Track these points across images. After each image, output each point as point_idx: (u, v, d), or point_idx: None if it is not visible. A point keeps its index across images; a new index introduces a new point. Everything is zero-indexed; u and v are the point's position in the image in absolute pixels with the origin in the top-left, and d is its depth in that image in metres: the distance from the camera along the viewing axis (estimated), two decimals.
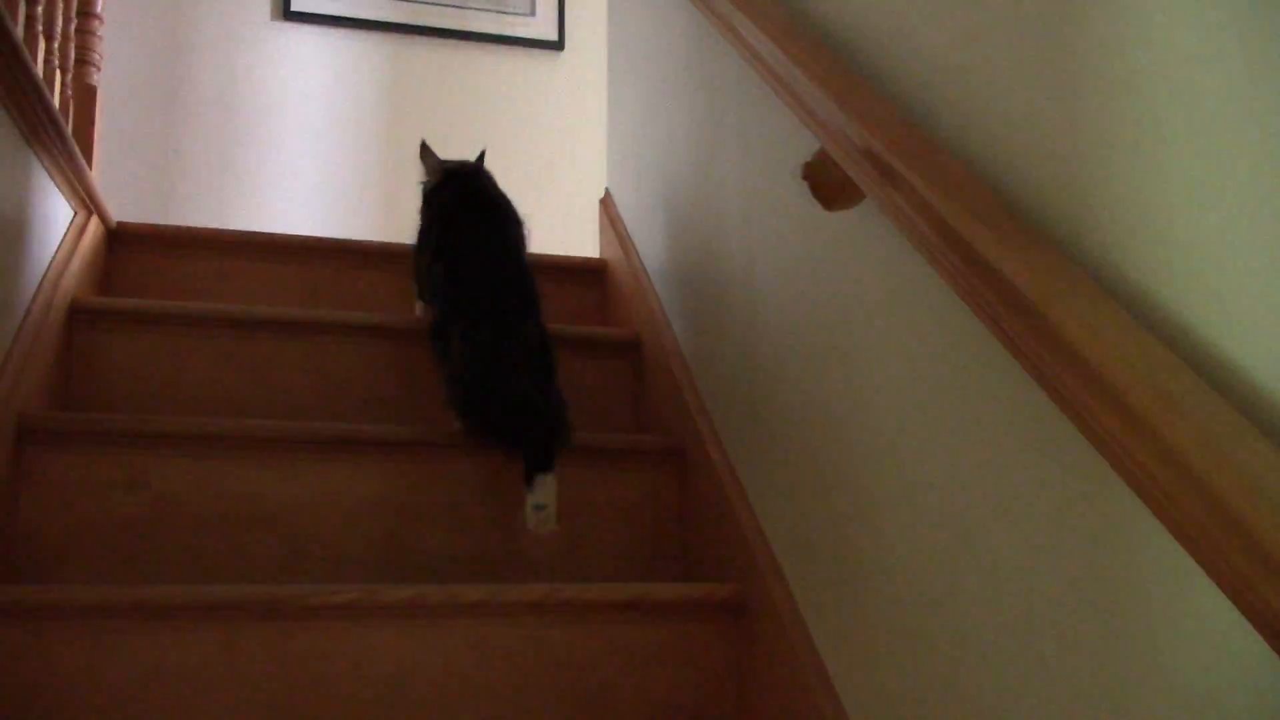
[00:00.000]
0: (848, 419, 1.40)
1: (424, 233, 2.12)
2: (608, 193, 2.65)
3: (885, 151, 1.04)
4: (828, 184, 1.25)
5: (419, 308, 2.16)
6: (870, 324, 1.33)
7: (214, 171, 3.67)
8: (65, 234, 1.99)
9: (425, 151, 2.19)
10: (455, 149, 2.29)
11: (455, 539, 1.83)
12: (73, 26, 2.26)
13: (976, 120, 1.07)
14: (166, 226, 2.32)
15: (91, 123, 2.30)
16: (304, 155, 3.76)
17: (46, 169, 1.85)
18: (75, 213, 2.05)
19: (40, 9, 2.00)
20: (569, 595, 1.60)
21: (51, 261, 1.90)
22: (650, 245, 2.30)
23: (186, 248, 2.31)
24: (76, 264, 1.98)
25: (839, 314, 1.42)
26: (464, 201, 2.11)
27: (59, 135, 1.82)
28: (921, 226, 1.00)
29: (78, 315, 1.96)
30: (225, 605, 1.47)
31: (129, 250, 2.27)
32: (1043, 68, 0.99)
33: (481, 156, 2.21)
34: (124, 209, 3.50)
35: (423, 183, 2.18)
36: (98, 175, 2.29)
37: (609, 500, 1.92)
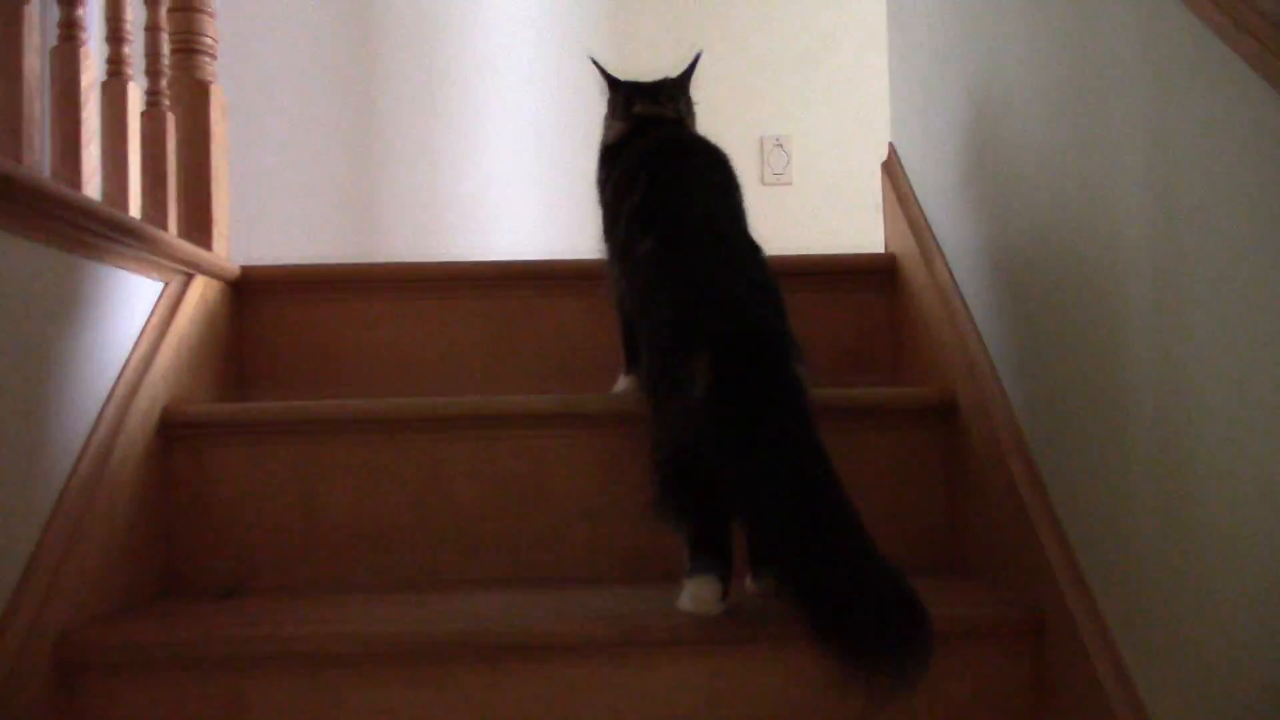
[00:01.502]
0: None
1: (612, 202, 1.48)
2: (893, 152, 1.85)
3: None
4: None
5: (623, 382, 1.51)
6: None
7: (417, 139, 3.13)
8: (148, 320, 1.46)
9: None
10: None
11: None
12: (162, 9, 1.70)
13: None
14: (298, 267, 1.77)
15: (206, 134, 1.76)
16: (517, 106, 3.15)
17: (102, 260, 1.32)
18: (164, 284, 1.52)
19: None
20: None
21: (122, 371, 1.38)
22: (968, 245, 1.52)
23: (326, 291, 1.75)
24: (166, 357, 1.46)
25: None
26: (673, 149, 1.47)
27: (113, 225, 1.28)
28: None
29: (172, 431, 1.45)
30: None
31: (260, 301, 1.75)
32: None
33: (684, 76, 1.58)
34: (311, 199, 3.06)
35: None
36: (221, 203, 1.76)
37: (934, 702, 1.22)
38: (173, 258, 1.49)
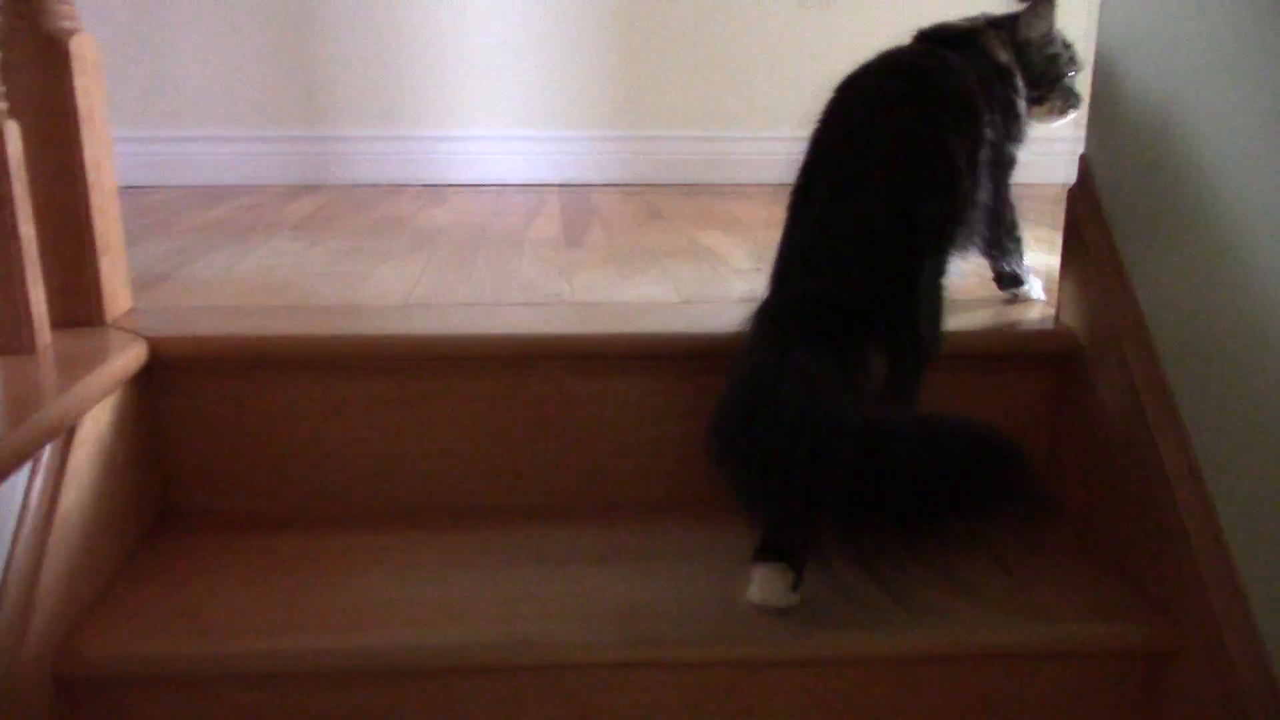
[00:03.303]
0: None
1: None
2: (1086, 171, 1.27)
3: None
4: None
5: (764, 576, 1.06)
6: None
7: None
8: (16, 529, 0.97)
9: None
10: None
11: None
12: None
13: None
14: (229, 339, 1.21)
15: (71, 122, 1.16)
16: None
17: None
18: (32, 463, 1.01)
19: None
20: None
21: None
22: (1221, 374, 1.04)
23: (270, 370, 1.23)
24: (55, 567, 0.99)
25: None
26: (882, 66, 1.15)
27: None
28: None
29: (73, 686, 1.01)
30: None
31: (182, 381, 1.23)
32: None
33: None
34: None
35: None
36: (109, 230, 1.20)
37: None
38: (37, 430, 0.97)
